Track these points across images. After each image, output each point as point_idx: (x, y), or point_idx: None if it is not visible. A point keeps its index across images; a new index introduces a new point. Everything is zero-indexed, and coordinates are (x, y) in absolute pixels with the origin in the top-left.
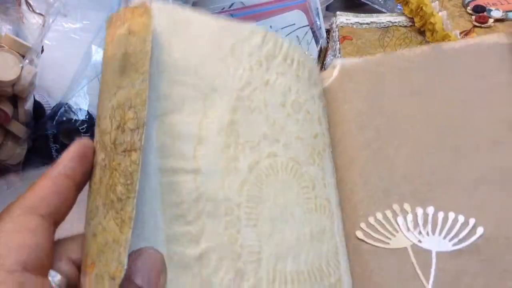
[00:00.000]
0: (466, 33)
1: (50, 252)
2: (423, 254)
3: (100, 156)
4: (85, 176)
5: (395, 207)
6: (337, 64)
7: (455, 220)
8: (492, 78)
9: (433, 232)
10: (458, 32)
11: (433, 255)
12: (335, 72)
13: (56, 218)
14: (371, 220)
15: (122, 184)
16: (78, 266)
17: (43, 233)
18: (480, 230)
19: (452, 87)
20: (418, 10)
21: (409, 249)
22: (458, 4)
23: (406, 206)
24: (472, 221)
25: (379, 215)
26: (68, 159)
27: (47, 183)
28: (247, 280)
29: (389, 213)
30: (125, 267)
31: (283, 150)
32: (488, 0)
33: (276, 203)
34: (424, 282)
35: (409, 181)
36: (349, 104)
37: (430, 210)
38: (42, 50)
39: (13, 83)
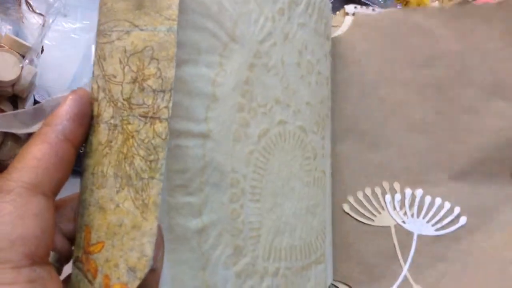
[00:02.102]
0: None
1: (54, 234)
2: (405, 235)
3: (106, 112)
4: (84, 137)
5: (385, 184)
6: (349, 12)
7: (441, 206)
8: None
9: (418, 215)
10: None
11: (415, 237)
12: (347, 22)
13: (57, 192)
14: (360, 195)
15: (142, 158)
16: (69, 238)
17: (48, 215)
18: (463, 220)
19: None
20: None
21: (392, 229)
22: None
23: (396, 185)
24: (457, 209)
25: (368, 191)
26: (66, 118)
27: (45, 150)
28: (244, 256)
29: (378, 190)
30: (151, 261)
31: (292, 118)
32: (489, 0)
33: (280, 176)
34: (402, 262)
35: (403, 158)
36: (356, 67)
37: (419, 192)
38: (42, 50)
39: (13, 83)
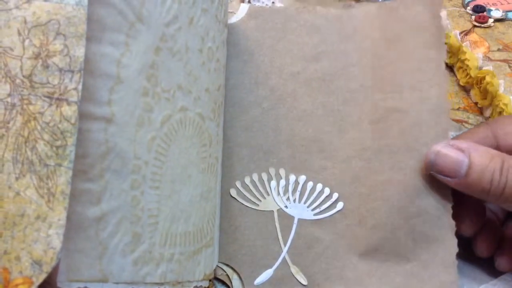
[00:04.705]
0: (466, 33)
1: None
2: (286, 219)
3: (2, 89)
4: None
5: (272, 170)
6: (245, 0)
7: (321, 192)
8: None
9: (300, 200)
10: (458, 32)
11: (295, 221)
12: (243, 10)
13: None
14: (247, 180)
15: (47, 143)
16: None
17: None
18: (340, 205)
19: (361, 56)
20: None
21: (275, 213)
22: (458, 4)
23: (282, 171)
24: (335, 195)
25: (255, 176)
26: None
27: None
28: (142, 243)
29: (264, 176)
30: (60, 254)
31: (193, 104)
32: (488, 0)
33: (179, 163)
34: (282, 244)
35: (290, 146)
36: (249, 56)
37: (302, 178)
38: None
39: None
